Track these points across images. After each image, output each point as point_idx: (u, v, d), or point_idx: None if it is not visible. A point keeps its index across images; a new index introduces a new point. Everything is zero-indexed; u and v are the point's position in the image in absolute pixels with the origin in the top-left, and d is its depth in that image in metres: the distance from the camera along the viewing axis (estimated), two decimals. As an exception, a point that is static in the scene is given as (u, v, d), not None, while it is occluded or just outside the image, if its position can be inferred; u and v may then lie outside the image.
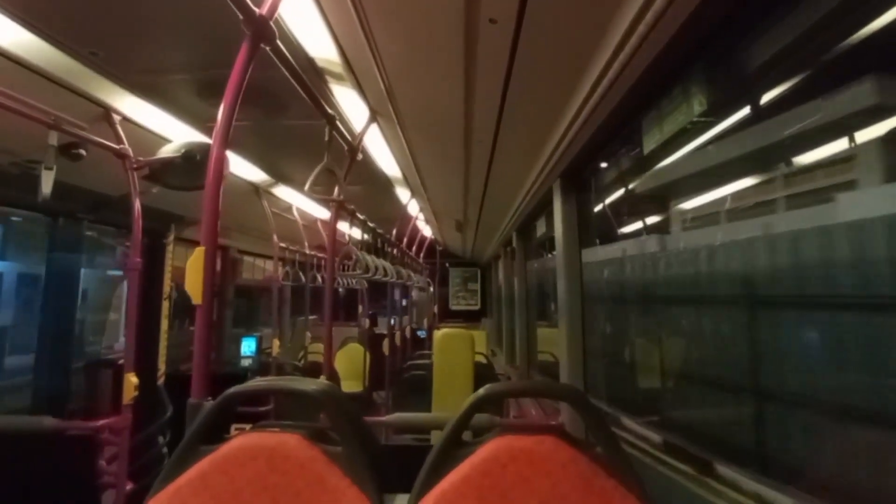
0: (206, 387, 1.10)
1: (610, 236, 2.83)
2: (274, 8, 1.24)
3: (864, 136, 1.30)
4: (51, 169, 1.77)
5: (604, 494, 0.94)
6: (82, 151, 2.14)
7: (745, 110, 1.63)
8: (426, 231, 6.47)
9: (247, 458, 0.97)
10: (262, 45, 1.27)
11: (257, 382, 1.11)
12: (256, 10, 1.18)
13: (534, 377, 4.24)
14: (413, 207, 4.63)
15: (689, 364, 1.89)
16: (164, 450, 2.92)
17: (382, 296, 5.31)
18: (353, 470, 0.98)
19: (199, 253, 1.11)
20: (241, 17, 1.16)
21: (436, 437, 1.08)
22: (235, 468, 0.96)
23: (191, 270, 1.10)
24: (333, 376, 3.27)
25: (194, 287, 1.09)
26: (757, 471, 1.34)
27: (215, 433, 1.03)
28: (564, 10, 1.12)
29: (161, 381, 3.28)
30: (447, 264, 8.94)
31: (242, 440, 0.99)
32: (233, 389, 1.03)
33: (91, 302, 3.22)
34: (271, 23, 1.24)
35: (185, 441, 1.00)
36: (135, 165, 2.22)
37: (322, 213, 4.41)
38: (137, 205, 2.30)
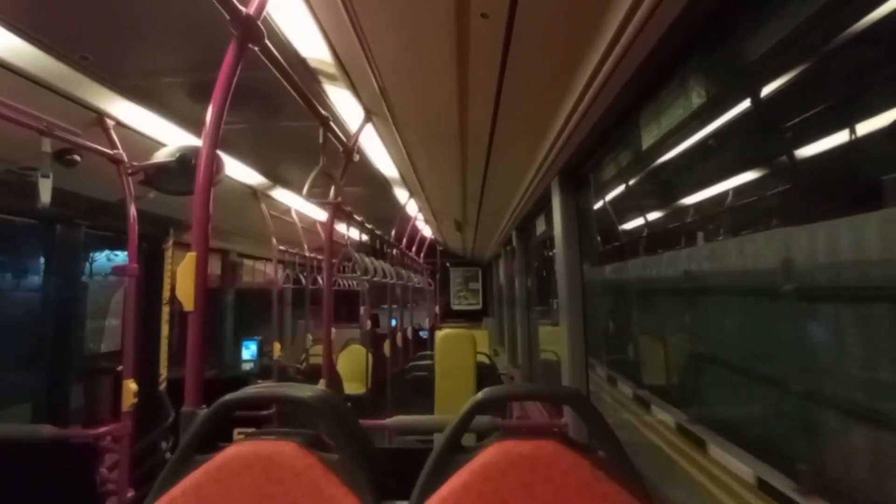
0: (199, 395, 1.09)
1: (611, 234, 2.80)
2: (261, 7, 1.22)
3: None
4: (47, 176, 1.76)
5: (606, 499, 0.92)
6: (77, 157, 2.13)
7: (746, 103, 1.60)
8: (426, 231, 6.45)
9: (242, 467, 0.95)
10: (250, 46, 1.25)
11: (252, 390, 1.09)
12: (243, 9, 1.16)
13: (536, 377, 4.21)
14: (412, 207, 4.61)
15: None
16: (168, 455, 2.91)
17: (384, 296, 5.29)
18: (351, 477, 0.96)
19: (189, 259, 1.09)
20: (227, 17, 1.14)
21: (438, 439, 1.07)
22: (230, 478, 0.94)
23: (182, 276, 1.08)
24: (335, 378, 3.26)
25: (186, 293, 1.07)
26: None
27: (210, 442, 1.01)
28: (557, 3, 1.09)
29: (163, 386, 3.27)
30: (448, 264, 8.94)
31: (237, 449, 0.97)
32: (226, 397, 1.01)
33: (89, 308, 3.20)
34: (259, 22, 1.22)
35: (179, 451, 0.98)
36: (129, 171, 2.21)
37: (321, 215, 4.40)
38: (133, 210, 2.28)
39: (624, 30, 1.08)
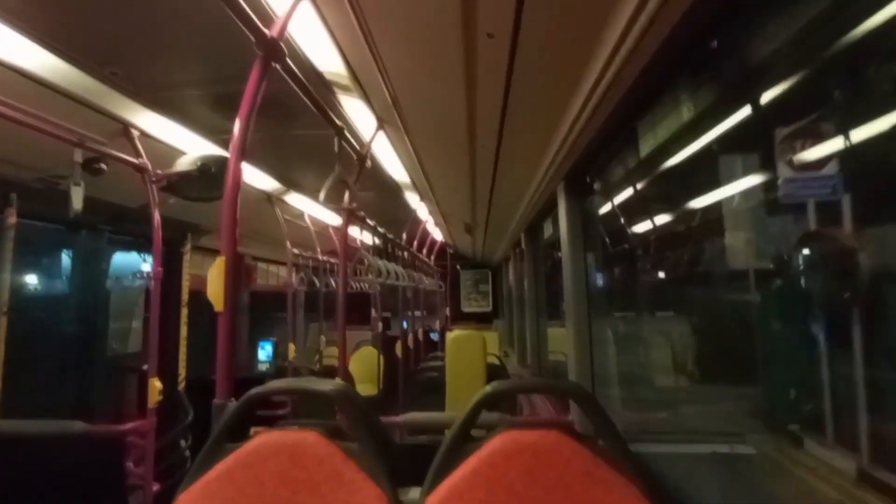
0: (229, 388, 1.18)
1: (618, 236, 2.87)
2: (283, 29, 1.30)
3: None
4: (79, 185, 1.85)
5: (606, 485, 0.99)
6: (103, 166, 2.23)
7: (745, 109, 1.66)
8: (436, 234, 6.52)
9: (269, 454, 1.03)
10: (273, 64, 1.34)
11: (277, 383, 1.18)
12: (267, 32, 1.25)
13: (546, 376, 4.27)
14: (422, 211, 4.69)
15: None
16: (187, 452, 3.01)
17: (395, 299, 5.37)
18: (369, 465, 1.04)
19: (219, 262, 1.18)
20: (253, 39, 1.23)
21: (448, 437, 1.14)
22: (259, 463, 1.03)
23: (212, 279, 1.17)
24: (348, 379, 3.35)
25: (216, 295, 1.16)
26: None
27: (239, 432, 1.10)
28: (558, 23, 1.17)
29: (182, 386, 3.37)
30: (458, 267, 9.00)
31: (265, 438, 1.06)
32: (254, 390, 1.10)
33: (112, 310, 3.32)
34: (281, 43, 1.31)
35: (212, 439, 1.07)
36: (154, 179, 2.31)
37: (333, 218, 4.49)
38: (157, 216, 2.39)
39: (622, 43, 1.15)
